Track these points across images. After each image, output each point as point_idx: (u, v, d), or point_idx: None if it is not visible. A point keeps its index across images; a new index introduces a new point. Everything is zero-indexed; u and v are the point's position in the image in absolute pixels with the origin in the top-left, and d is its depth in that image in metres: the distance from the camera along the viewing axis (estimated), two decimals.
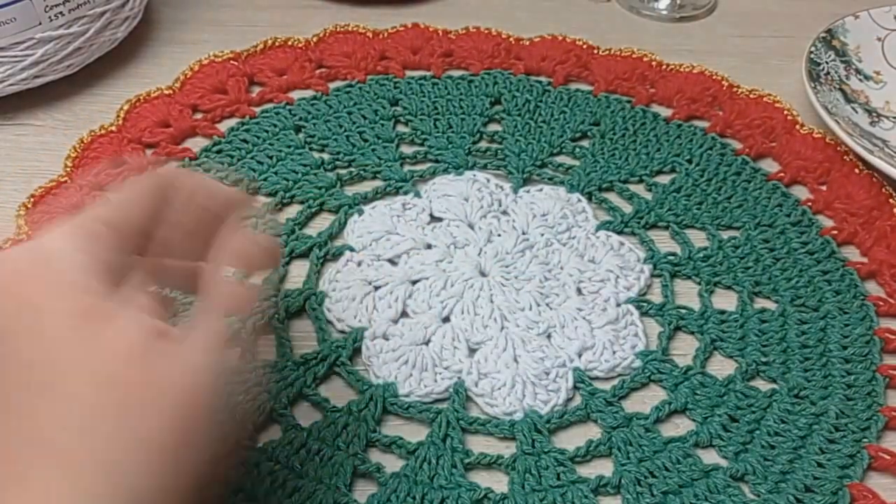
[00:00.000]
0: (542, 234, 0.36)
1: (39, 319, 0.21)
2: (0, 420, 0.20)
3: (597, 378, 0.32)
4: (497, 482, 0.28)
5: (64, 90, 0.42)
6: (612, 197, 0.39)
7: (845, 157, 0.41)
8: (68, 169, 0.38)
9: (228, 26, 0.48)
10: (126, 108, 0.41)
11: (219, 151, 0.40)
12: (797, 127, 0.43)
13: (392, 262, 0.35)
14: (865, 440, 0.30)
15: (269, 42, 0.46)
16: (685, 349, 0.33)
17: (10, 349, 0.20)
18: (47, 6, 0.39)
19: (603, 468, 0.29)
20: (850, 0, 0.52)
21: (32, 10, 0.38)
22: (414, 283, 0.34)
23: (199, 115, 0.42)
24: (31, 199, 0.36)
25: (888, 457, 0.29)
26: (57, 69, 0.41)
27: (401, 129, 0.42)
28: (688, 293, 0.35)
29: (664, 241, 0.37)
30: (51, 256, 0.22)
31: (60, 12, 0.39)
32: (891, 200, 0.39)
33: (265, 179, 0.39)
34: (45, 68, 0.40)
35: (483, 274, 0.35)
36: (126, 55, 0.45)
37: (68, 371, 0.20)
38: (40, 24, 0.39)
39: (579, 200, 0.38)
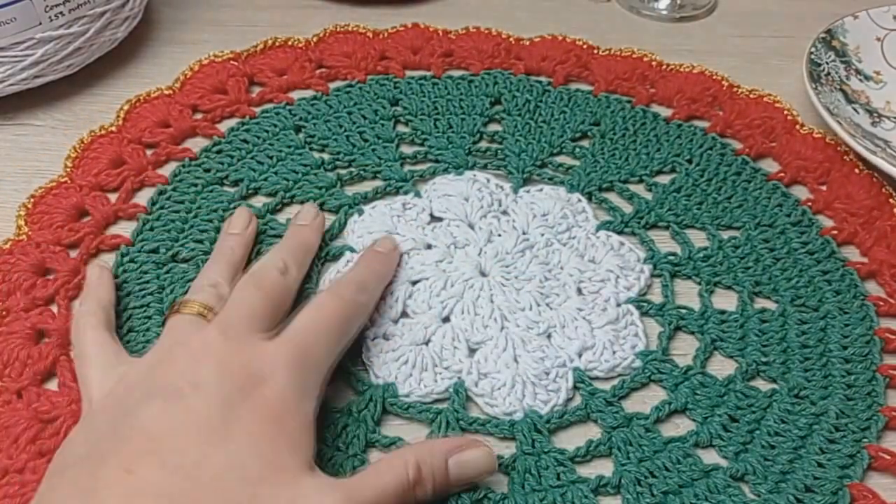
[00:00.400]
0: (543, 234, 0.36)
1: None
2: None
3: (597, 378, 0.32)
4: (497, 482, 0.28)
5: (64, 90, 0.42)
6: (613, 197, 0.39)
7: (845, 157, 0.41)
8: (68, 169, 0.38)
9: (228, 26, 0.48)
10: (126, 108, 0.41)
11: (219, 151, 0.40)
12: (797, 127, 0.43)
13: None
14: (865, 440, 0.30)
15: (269, 42, 0.46)
16: (685, 349, 0.33)
17: None
18: (47, 6, 0.39)
19: (603, 468, 0.29)
20: (850, 0, 0.52)
21: (32, 10, 0.38)
22: (414, 283, 0.34)
23: (199, 116, 0.42)
24: (31, 200, 0.36)
25: (888, 457, 0.29)
26: (57, 69, 0.41)
27: (401, 129, 0.42)
28: (688, 293, 0.35)
29: (664, 241, 0.37)
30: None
31: (60, 12, 0.39)
32: (891, 200, 0.39)
33: (265, 179, 0.39)
34: (45, 68, 0.40)
35: (483, 274, 0.35)
36: (126, 55, 0.45)
37: None
38: (40, 24, 0.39)
39: (579, 200, 0.38)
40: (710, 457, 0.29)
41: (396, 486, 0.24)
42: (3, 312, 0.32)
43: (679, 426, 0.30)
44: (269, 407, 0.24)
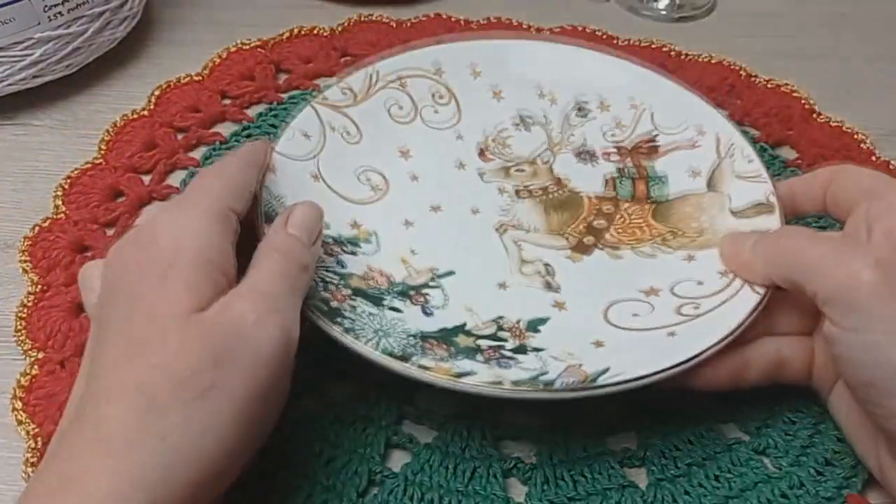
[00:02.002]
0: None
1: None
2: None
3: None
4: (525, 453, 0.29)
5: (63, 90, 0.42)
6: None
7: (862, 144, 0.42)
8: (102, 151, 0.39)
9: (228, 26, 0.48)
10: (157, 93, 0.42)
11: (248, 136, 0.41)
12: (814, 115, 0.43)
13: None
14: None
15: (295, 31, 0.47)
16: None
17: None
18: (46, 6, 0.38)
19: (628, 441, 0.30)
20: (850, 0, 0.53)
21: (31, 9, 0.38)
22: None
23: (227, 101, 0.43)
24: (68, 180, 0.37)
25: None
26: (56, 69, 0.40)
27: None
28: None
29: None
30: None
31: (59, 12, 0.39)
32: None
33: None
34: (44, 68, 0.40)
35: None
36: (125, 55, 0.45)
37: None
38: (39, 23, 0.38)
39: None
40: (732, 432, 0.30)
41: (275, 269, 0.25)
42: (45, 287, 0.33)
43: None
44: (180, 257, 0.24)
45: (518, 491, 0.28)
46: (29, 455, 0.28)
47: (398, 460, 0.29)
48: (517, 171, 0.36)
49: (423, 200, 0.35)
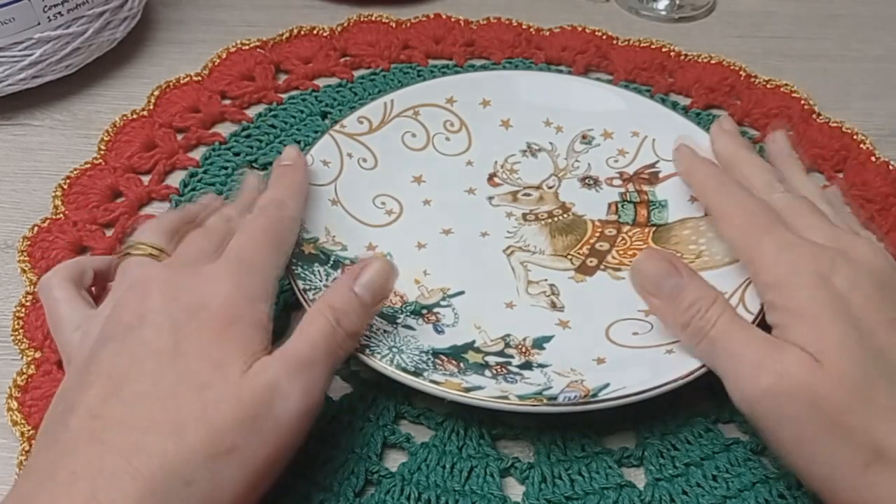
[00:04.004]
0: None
1: None
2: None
3: None
4: (523, 452, 0.29)
5: (62, 90, 0.42)
6: None
7: (861, 145, 0.42)
8: (102, 151, 0.39)
9: (227, 26, 0.48)
10: (156, 93, 0.42)
11: (247, 136, 0.41)
12: (813, 116, 0.43)
13: None
14: None
15: (295, 31, 0.47)
16: None
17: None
18: (46, 6, 0.38)
19: (627, 441, 0.30)
20: (850, 1, 0.53)
21: (31, 10, 0.38)
22: None
23: (227, 102, 0.43)
24: (67, 180, 0.37)
25: None
26: (56, 69, 0.41)
27: None
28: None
29: None
30: None
31: (59, 12, 0.39)
32: None
33: None
34: (43, 68, 0.40)
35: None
36: (125, 56, 0.45)
37: None
38: (39, 24, 0.38)
39: None
40: (731, 431, 0.30)
41: (324, 334, 0.26)
42: None
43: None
44: (216, 318, 0.25)
45: (516, 490, 0.28)
46: (23, 458, 0.28)
47: (395, 460, 0.29)
48: (524, 196, 0.37)
49: (435, 224, 0.36)
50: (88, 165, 0.38)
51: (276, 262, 0.29)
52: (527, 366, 0.30)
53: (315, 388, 0.25)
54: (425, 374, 0.28)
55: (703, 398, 0.31)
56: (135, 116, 0.41)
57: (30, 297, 0.32)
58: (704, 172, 0.33)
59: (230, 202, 0.33)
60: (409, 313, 0.32)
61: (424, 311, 0.32)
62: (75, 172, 0.38)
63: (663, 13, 0.51)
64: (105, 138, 0.40)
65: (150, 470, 0.22)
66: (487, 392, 0.28)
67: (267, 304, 0.27)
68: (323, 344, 0.26)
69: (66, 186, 0.37)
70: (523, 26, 0.49)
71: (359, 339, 0.28)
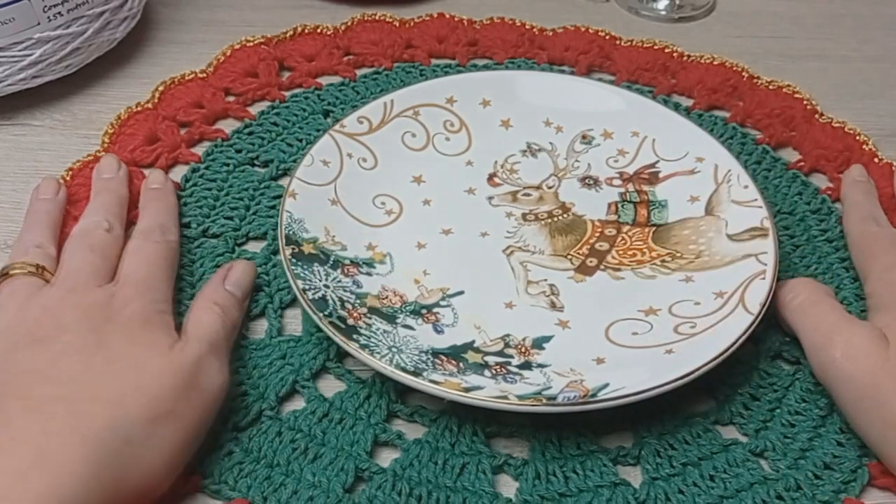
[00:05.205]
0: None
1: None
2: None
3: None
4: (517, 450, 0.29)
5: (62, 90, 0.42)
6: None
7: (864, 146, 0.41)
8: (105, 144, 0.39)
9: (227, 26, 0.48)
10: (161, 88, 0.42)
11: (250, 133, 0.41)
12: (816, 117, 0.43)
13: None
14: None
15: (299, 29, 0.47)
16: None
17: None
18: (46, 6, 0.38)
19: (624, 440, 0.30)
20: (850, 1, 0.52)
21: (31, 10, 0.38)
22: None
23: (230, 98, 0.43)
24: (70, 172, 0.37)
25: None
26: (55, 69, 0.40)
27: None
28: None
29: None
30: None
31: (59, 12, 0.39)
32: None
33: (294, 161, 0.40)
34: (43, 68, 0.40)
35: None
36: (124, 56, 0.45)
37: None
38: (39, 24, 0.38)
39: None
40: (729, 433, 0.30)
41: (219, 323, 0.29)
42: None
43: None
44: (133, 319, 0.28)
45: (509, 487, 0.28)
46: None
47: (388, 457, 0.29)
48: (524, 196, 0.37)
49: (435, 224, 0.36)
50: (91, 157, 0.38)
51: (170, 283, 0.31)
52: (526, 366, 0.30)
53: (225, 367, 0.28)
54: (425, 373, 0.28)
55: (702, 399, 0.31)
56: (139, 109, 0.41)
57: None
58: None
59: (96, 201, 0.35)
60: (408, 313, 0.32)
61: (424, 311, 0.32)
62: (78, 164, 0.38)
63: (663, 13, 0.51)
64: (109, 131, 0.40)
65: (95, 433, 0.24)
66: (487, 392, 0.27)
67: (171, 316, 0.29)
68: (222, 331, 0.29)
69: (68, 178, 0.37)
70: (526, 26, 0.49)
71: (238, 331, 0.31)
